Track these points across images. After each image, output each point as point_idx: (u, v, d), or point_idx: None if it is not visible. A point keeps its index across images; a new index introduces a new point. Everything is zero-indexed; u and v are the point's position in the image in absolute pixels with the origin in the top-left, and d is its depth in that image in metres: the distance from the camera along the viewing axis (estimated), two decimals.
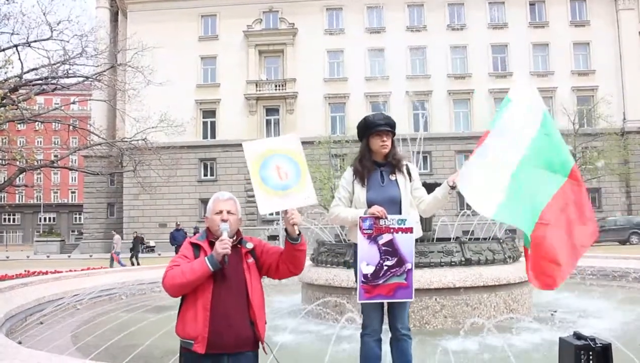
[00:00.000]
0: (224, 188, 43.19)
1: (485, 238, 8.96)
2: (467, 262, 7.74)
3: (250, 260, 3.26)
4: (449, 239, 8.84)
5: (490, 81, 43.40)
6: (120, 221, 45.36)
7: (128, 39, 26.33)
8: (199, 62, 45.52)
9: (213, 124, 45.14)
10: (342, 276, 7.81)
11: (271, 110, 45.34)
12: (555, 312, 8.42)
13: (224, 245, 3.04)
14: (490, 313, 7.52)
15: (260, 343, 3.22)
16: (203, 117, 45.27)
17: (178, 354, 4.01)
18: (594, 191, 43.38)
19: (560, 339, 3.10)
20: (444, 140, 42.22)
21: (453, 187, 4.27)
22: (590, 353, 2.85)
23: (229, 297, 3.12)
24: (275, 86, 45.22)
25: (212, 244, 3.19)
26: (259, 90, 44.98)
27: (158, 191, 36.20)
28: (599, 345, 2.89)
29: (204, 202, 44.37)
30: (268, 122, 44.81)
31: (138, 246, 28.23)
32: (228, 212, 3.25)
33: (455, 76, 44.58)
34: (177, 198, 43.79)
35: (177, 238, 25.67)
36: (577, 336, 3.01)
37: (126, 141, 23.41)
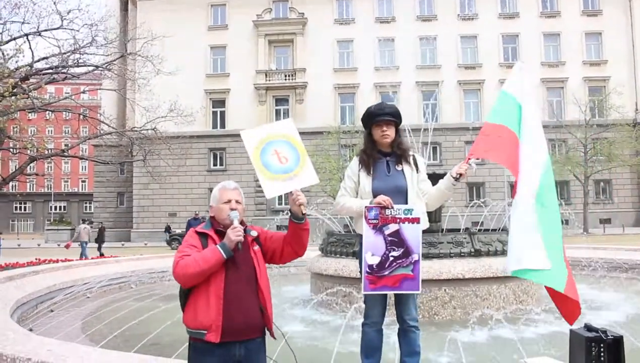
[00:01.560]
0: (234, 178, 43.17)
1: (494, 230, 8.92)
2: (477, 253, 7.72)
3: (256, 247, 3.28)
4: (459, 230, 8.82)
5: (500, 71, 43.05)
6: (130, 210, 45.59)
7: (137, 28, 26.33)
8: (208, 52, 45.48)
9: (222, 114, 45.16)
10: (351, 266, 7.81)
11: (281, 100, 45.29)
12: None
13: (237, 233, 3.07)
14: (499, 305, 7.50)
15: (267, 329, 3.24)
16: (212, 107, 45.31)
17: (188, 343, 4.01)
18: (605, 182, 43.16)
19: (571, 331, 3.08)
20: (454, 131, 42.04)
21: (457, 179, 4.23)
22: (602, 345, 2.82)
23: (240, 284, 3.13)
24: (285, 76, 45.13)
25: (218, 233, 3.22)
26: (269, 80, 44.91)
27: (168, 181, 36.33)
28: (611, 337, 2.86)
29: None
30: (277, 112, 44.75)
31: (103, 237, 28.00)
32: (236, 201, 3.28)
33: (465, 66, 44.33)
34: (186, 188, 43.93)
35: (191, 227, 25.63)
36: (588, 328, 2.98)
37: (136, 130, 23.45)
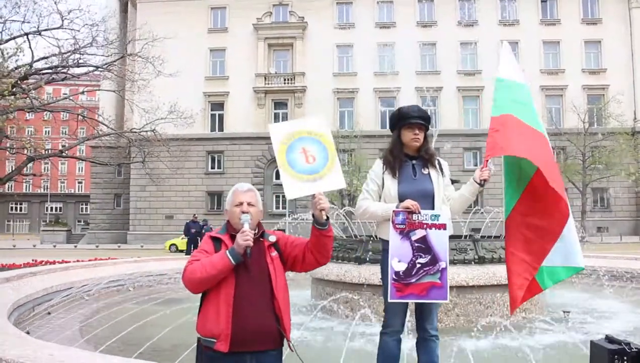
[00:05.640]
0: (231, 181, 43.13)
1: (498, 237, 8.84)
2: (481, 260, 7.63)
3: (274, 253, 3.14)
4: (461, 237, 8.73)
5: None
6: (127, 212, 45.46)
7: (138, 29, 26.24)
8: (208, 54, 45.46)
9: (221, 117, 45.10)
10: (354, 272, 7.74)
11: (279, 104, 45.26)
12: (569, 312, 8.32)
13: (245, 237, 2.93)
14: (503, 313, 7.42)
15: (285, 340, 3.11)
16: (211, 110, 45.25)
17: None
18: (603, 191, 43.17)
19: (592, 342, 2.99)
20: (453, 137, 42.03)
21: (481, 184, 4.15)
22: (625, 358, 2.73)
23: (253, 291, 3.00)
24: (284, 80, 45.12)
25: (233, 237, 3.08)
26: (268, 84, 44.88)
27: (165, 183, 36.22)
28: (635, 349, 2.76)
29: (211, 194, 44.61)
30: (276, 116, 44.68)
31: None
32: (248, 204, 3.14)
33: (465, 73, 44.38)
34: (184, 191, 43.83)
35: (189, 229, 25.36)
36: (610, 340, 2.89)
37: (135, 132, 23.33)
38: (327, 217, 3.09)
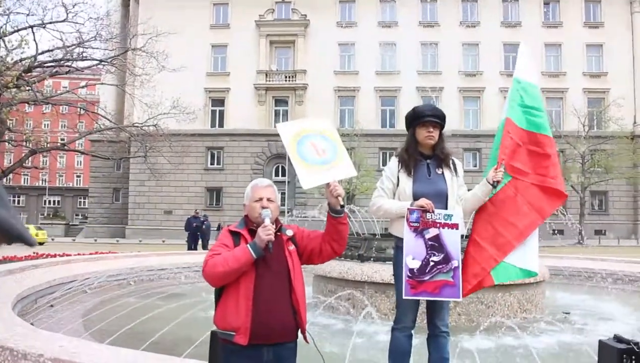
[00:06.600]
0: (230, 177, 43.25)
1: None
2: None
3: (292, 247, 3.19)
4: (462, 236, 8.76)
5: (501, 79, 43.07)
6: (125, 206, 45.45)
7: (142, 24, 26.18)
8: (209, 50, 45.42)
9: (222, 113, 45.08)
10: (356, 270, 7.78)
11: (280, 101, 45.26)
12: (569, 313, 8.38)
13: (267, 232, 2.96)
14: (504, 312, 7.47)
15: (301, 332, 3.16)
16: (212, 105, 45.22)
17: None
18: (601, 194, 43.24)
19: (601, 342, 3.02)
20: (453, 137, 41.96)
21: (494, 186, 4.20)
22: (634, 357, 2.76)
23: (272, 285, 3.04)
24: (285, 77, 45.12)
25: (251, 232, 3.12)
26: (269, 81, 44.87)
27: (164, 178, 36.23)
28: None
29: (210, 190, 44.61)
30: (277, 113, 44.70)
31: None
32: (268, 199, 3.18)
33: (466, 73, 44.40)
34: (183, 186, 43.82)
35: (190, 225, 25.11)
36: (618, 339, 2.92)
37: (137, 126, 23.32)
38: (342, 205, 3.15)
